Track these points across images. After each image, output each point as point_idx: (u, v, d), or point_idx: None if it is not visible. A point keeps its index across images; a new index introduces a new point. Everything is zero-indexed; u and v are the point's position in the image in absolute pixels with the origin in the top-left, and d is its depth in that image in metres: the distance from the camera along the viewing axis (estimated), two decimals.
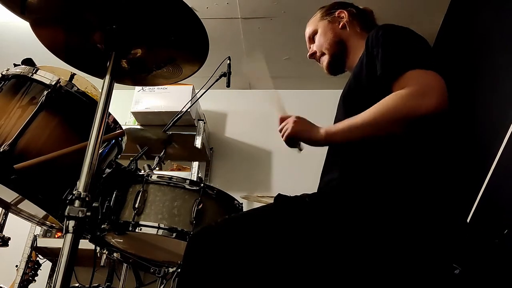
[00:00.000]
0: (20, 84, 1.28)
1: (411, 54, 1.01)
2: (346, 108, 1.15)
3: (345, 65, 1.36)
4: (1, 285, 2.41)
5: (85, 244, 1.25)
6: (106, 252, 1.62)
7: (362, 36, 1.29)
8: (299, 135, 1.10)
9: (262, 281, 0.86)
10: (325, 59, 1.36)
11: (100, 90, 1.01)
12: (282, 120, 1.17)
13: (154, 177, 1.43)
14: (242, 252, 0.89)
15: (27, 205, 1.30)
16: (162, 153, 1.99)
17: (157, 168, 1.88)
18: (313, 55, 1.40)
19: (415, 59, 0.99)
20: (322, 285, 0.89)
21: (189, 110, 2.61)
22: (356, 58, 1.25)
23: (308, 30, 1.40)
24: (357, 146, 1.04)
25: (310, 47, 1.41)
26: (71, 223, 0.84)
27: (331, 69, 1.37)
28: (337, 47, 1.33)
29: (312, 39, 1.40)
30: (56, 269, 0.82)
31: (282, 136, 1.14)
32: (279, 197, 1.00)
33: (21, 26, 2.86)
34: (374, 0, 1.39)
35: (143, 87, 2.88)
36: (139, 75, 1.22)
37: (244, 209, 1.46)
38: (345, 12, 1.34)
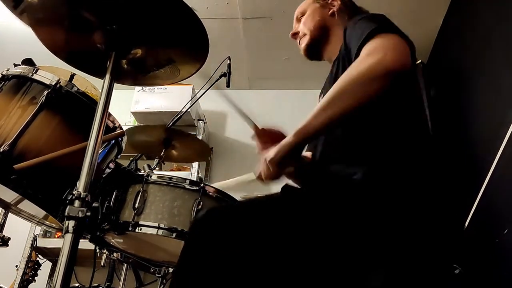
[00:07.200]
0: (20, 84, 1.28)
1: (372, 26, 0.98)
2: None
3: (323, 53, 1.36)
4: (1, 285, 2.41)
5: (85, 244, 1.25)
6: (106, 252, 1.62)
7: None
8: (279, 152, 0.97)
9: (266, 270, 0.85)
10: (304, 41, 1.35)
11: (100, 90, 1.01)
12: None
13: (154, 177, 1.44)
14: (246, 239, 0.86)
15: (27, 205, 1.30)
16: (162, 153, 1.99)
17: (157, 168, 1.88)
18: (295, 34, 1.39)
19: (375, 28, 0.96)
20: (321, 279, 0.88)
21: (189, 110, 2.61)
22: (336, 48, 1.24)
23: (298, 10, 1.41)
24: (356, 137, 1.03)
25: (295, 27, 1.41)
26: (71, 223, 0.84)
27: (307, 52, 1.37)
28: (320, 32, 1.34)
29: (299, 20, 1.40)
30: (56, 269, 0.81)
31: (269, 174, 1.00)
32: (287, 188, 0.99)
33: (21, 26, 2.85)
34: (374, 0, 1.39)
35: (143, 87, 2.89)
36: (139, 75, 1.22)
37: None
38: (339, 0, 1.35)
